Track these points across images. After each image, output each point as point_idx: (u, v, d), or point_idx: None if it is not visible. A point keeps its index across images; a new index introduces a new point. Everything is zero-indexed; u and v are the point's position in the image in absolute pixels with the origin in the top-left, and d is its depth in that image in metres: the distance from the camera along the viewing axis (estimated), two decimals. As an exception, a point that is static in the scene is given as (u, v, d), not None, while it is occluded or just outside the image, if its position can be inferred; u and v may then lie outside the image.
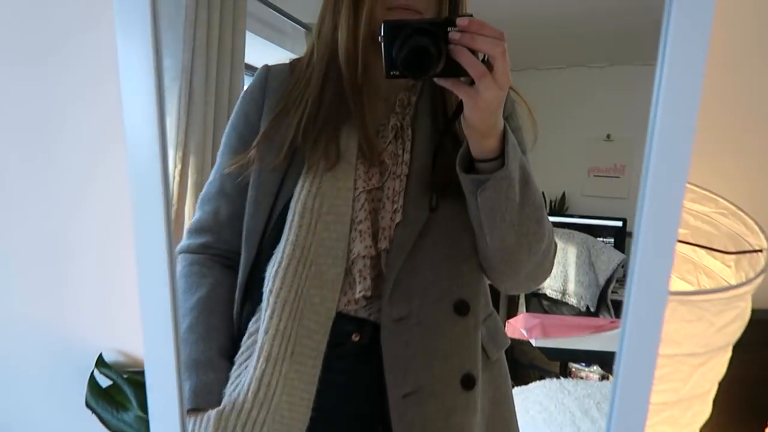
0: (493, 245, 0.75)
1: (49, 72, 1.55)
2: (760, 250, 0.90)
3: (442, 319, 0.76)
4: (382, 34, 0.67)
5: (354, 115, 0.80)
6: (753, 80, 1.13)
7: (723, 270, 0.98)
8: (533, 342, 1.97)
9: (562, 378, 1.87)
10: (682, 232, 1.11)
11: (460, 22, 0.65)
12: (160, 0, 1.66)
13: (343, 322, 0.80)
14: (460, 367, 0.76)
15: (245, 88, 0.93)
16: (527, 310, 1.67)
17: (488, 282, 0.87)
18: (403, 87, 0.84)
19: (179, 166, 1.57)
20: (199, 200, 0.90)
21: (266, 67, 0.91)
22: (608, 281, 2.89)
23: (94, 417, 1.46)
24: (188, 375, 0.74)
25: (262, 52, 2.17)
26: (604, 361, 2.00)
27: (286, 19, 1.95)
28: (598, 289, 2.91)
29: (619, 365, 0.39)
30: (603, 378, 2.06)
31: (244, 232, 0.79)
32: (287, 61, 0.92)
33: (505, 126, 0.72)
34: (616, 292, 3.05)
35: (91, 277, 1.55)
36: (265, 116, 0.84)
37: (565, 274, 1.70)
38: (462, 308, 0.78)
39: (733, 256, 0.95)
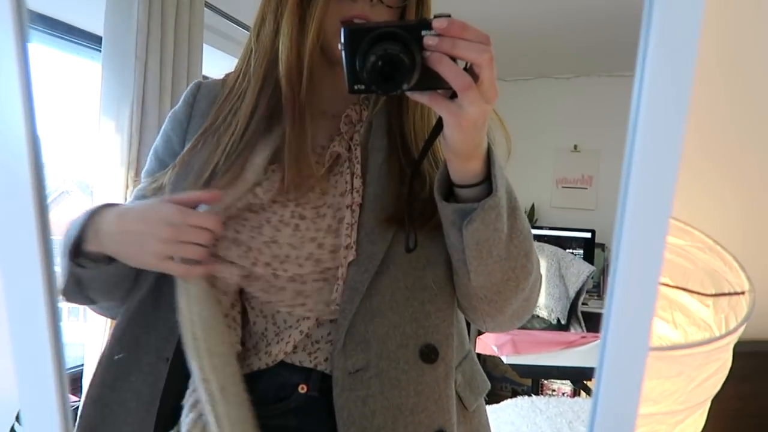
0: (476, 282, 0.66)
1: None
2: (742, 292, 0.86)
3: (407, 368, 0.67)
4: (342, 40, 0.55)
5: (288, 139, 0.70)
6: (731, 105, 1.09)
7: (700, 309, 0.94)
8: (504, 359, 1.93)
9: (533, 396, 1.84)
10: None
11: (437, 24, 0.54)
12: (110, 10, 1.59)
13: (286, 372, 0.71)
14: (430, 423, 0.67)
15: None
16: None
17: (462, 318, 0.79)
18: (352, 99, 0.73)
19: (131, 187, 1.50)
20: None
21: (197, 85, 0.80)
22: (578, 293, 2.90)
23: None
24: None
25: (222, 66, 2.11)
26: (575, 377, 1.99)
27: (246, 31, 1.89)
28: (568, 302, 2.92)
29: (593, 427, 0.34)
30: (575, 393, 2.05)
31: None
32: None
33: (489, 146, 0.61)
34: (586, 304, 3.08)
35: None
36: (188, 141, 0.75)
37: (535, 288, 1.68)
38: (429, 354, 0.69)
39: (710, 297, 0.91)
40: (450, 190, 0.63)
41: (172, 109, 0.77)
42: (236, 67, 0.74)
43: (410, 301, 0.66)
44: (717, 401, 0.82)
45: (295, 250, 0.67)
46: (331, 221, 0.68)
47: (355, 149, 0.71)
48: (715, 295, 0.86)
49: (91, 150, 1.64)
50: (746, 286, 0.86)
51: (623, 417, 0.37)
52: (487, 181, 0.60)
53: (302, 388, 0.68)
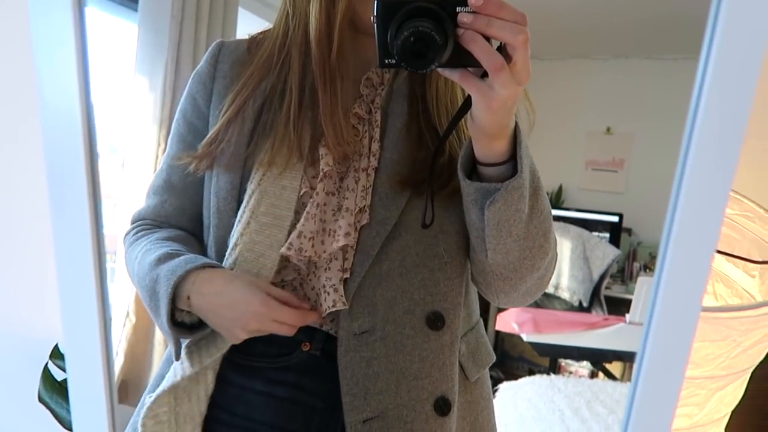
0: (493, 260, 0.66)
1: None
2: None
3: (412, 334, 0.67)
4: (375, 13, 0.54)
5: (323, 103, 0.69)
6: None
7: (744, 279, 0.90)
8: (524, 337, 1.93)
9: (552, 375, 1.83)
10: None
11: (474, 1, 0.52)
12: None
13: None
14: (433, 389, 0.67)
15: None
16: (519, 304, 1.62)
17: (474, 290, 0.78)
18: (374, 63, 0.69)
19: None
20: (146, 192, 0.81)
21: (218, 45, 0.78)
22: (602, 277, 2.86)
23: (47, 413, 1.39)
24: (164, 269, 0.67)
25: (255, 30, 2.10)
26: (595, 358, 1.97)
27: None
28: (591, 285, 2.88)
29: (636, 389, 0.34)
30: (592, 375, 2.04)
31: (213, 245, 0.71)
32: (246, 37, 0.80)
33: (516, 125, 0.59)
34: (609, 288, 3.03)
35: (45, 263, 1.48)
36: (214, 103, 0.74)
37: (558, 268, 1.66)
38: (436, 321, 0.69)
39: (757, 266, 0.87)
40: (473, 167, 0.62)
41: (195, 70, 0.77)
42: (269, 37, 0.73)
43: (420, 267, 0.66)
44: (753, 380, 0.81)
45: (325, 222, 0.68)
46: (351, 183, 0.68)
47: (375, 112, 0.70)
48: (763, 262, 0.83)
49: (124, 109, 1.66)
50: (795, 255, 0.83)
51: (670, 376, 0.37)
52: (511, 161, 0.59)
53: (305, 346, 0.69)
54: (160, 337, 1.57)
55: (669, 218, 0.36)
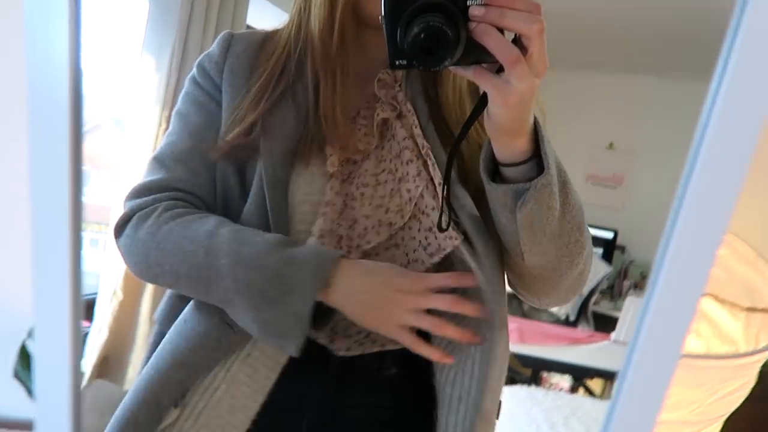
0: (530, 262, 0.64)
1: None
2: None
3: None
4: (383, 10, 0.52)
5: (323, 99, 0.67)
6: None
7: (729, 322, 0.90)
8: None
9: (532, 386, 1.84)
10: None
11: None
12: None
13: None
14: None
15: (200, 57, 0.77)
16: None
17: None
18: (379, 61, 0.66)
19: (164, 126, 1.51)
20: (157, 160, 0.71)
21: (229, 36, 0.75)
22: (591, 292, 2.87)
23: (22, 389, 1.38)
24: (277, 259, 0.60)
25: (266, 18, 2.09)
26: (577, 373, 1.98)
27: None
28: (580, 299, 2.89)
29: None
30: (573, 389, 2.05)
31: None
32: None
33: (535, 120, 0.57)
34: (598, 304, 3.05)
35: (26, 239, 1.46)
36: (226, 95, 0.71)
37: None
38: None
39: (743, 311, 0.87)
40: (496, 170, 0.61)
41: (201, 63, 0.74)
42: (288, 23, 0.72)
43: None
44: (729, 421, 0.81)
45: (368, 219, 0.67)
46: (393, 185, 0.67)
47: (407, 108, 0.68)
48: (750, 309, 0.83)
49: (129, 85, 1.65)
50: (785, 304, 0.82)
51: (642, 420, 0.37)
52: (535, 158, 0.58)
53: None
54: (146, 315, 1.57)
55: (659, 258, 0.36)
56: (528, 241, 0.60)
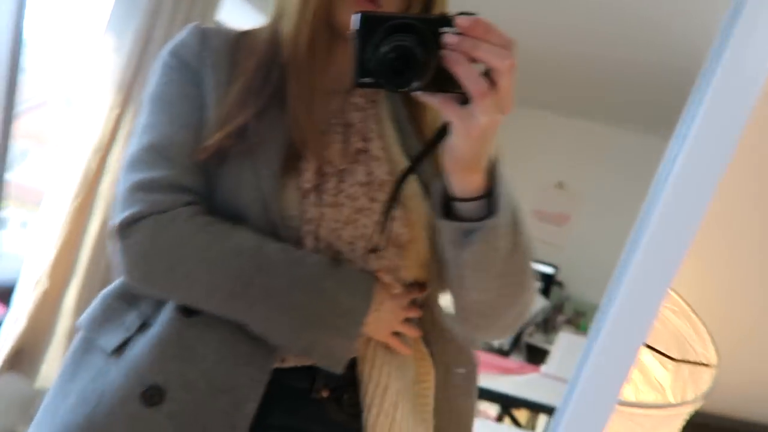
0: (470, 297, 0.66)
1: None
2: (707, 365, 0.85)
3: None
4: (355, 27, 0.51)
5: (292, 106, 0.65)
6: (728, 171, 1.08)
7: (659, 371, 0.93)
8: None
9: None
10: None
11: (461, 21, 0.49)
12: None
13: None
14: None
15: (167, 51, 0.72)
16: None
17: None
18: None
19: (117, 110, 1.45)
20: (156, 151, 0.67)
21: (200, 32, 0.70)
22: (526, 324, 2.93)
23: None
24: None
25: (236, 15, 2.05)
26: (504, 403, 2.01)
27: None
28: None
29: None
30: (499, 418, 2.08)
31: None
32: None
33: (495, 159, 0.57)
34: (532, 336, 3.11)
35: None
36: (209, 92, 0.68)
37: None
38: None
39: (673, 362, 0.90)
40: (448, 203, 0.61)
41: (177, 52, 0.70)
42: (266, 27, 0.70)
43: None
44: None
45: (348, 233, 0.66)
46: (366, 202, 0.66)
47: (378, 135, 0.69)
48: (679, 360, 0.85)
49: (85, 64, 1.58)
50: (713, 360, 0.85)
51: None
52: (489, 197, 0.58)
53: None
54: (69, 308, 1.49)
55: (605, 304, 0.37)
56: (470, 278, 0.61)
